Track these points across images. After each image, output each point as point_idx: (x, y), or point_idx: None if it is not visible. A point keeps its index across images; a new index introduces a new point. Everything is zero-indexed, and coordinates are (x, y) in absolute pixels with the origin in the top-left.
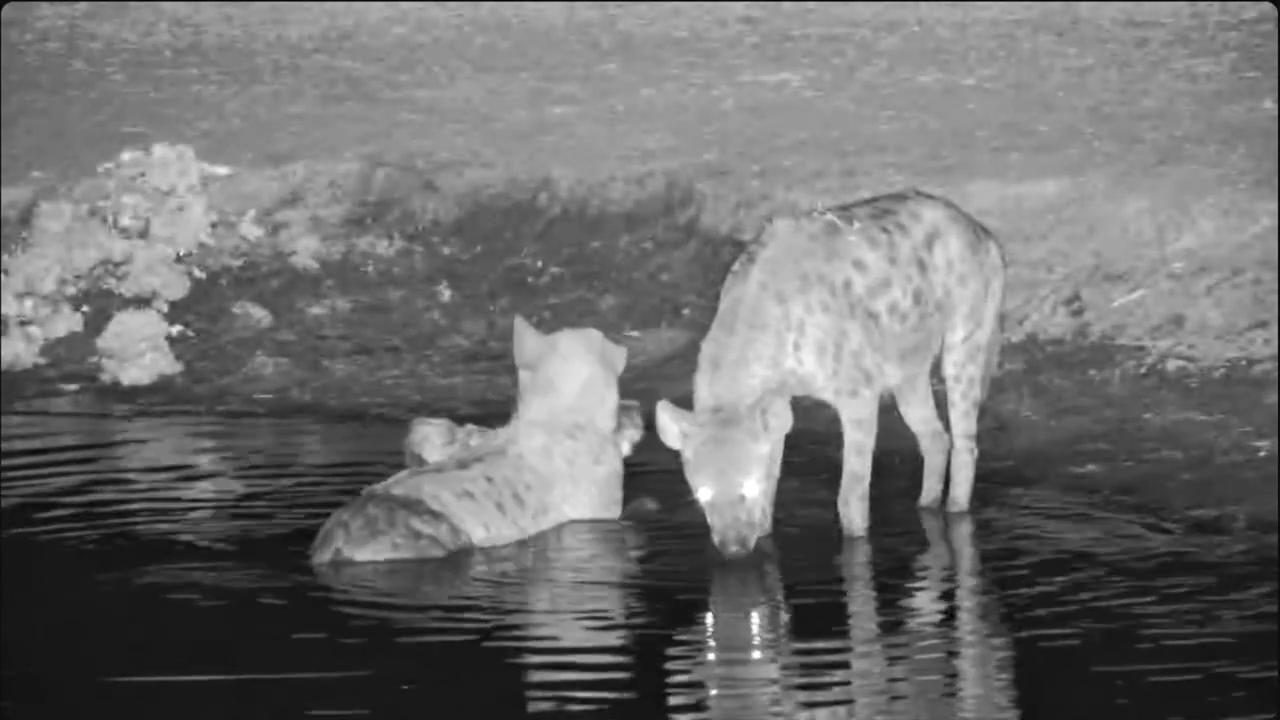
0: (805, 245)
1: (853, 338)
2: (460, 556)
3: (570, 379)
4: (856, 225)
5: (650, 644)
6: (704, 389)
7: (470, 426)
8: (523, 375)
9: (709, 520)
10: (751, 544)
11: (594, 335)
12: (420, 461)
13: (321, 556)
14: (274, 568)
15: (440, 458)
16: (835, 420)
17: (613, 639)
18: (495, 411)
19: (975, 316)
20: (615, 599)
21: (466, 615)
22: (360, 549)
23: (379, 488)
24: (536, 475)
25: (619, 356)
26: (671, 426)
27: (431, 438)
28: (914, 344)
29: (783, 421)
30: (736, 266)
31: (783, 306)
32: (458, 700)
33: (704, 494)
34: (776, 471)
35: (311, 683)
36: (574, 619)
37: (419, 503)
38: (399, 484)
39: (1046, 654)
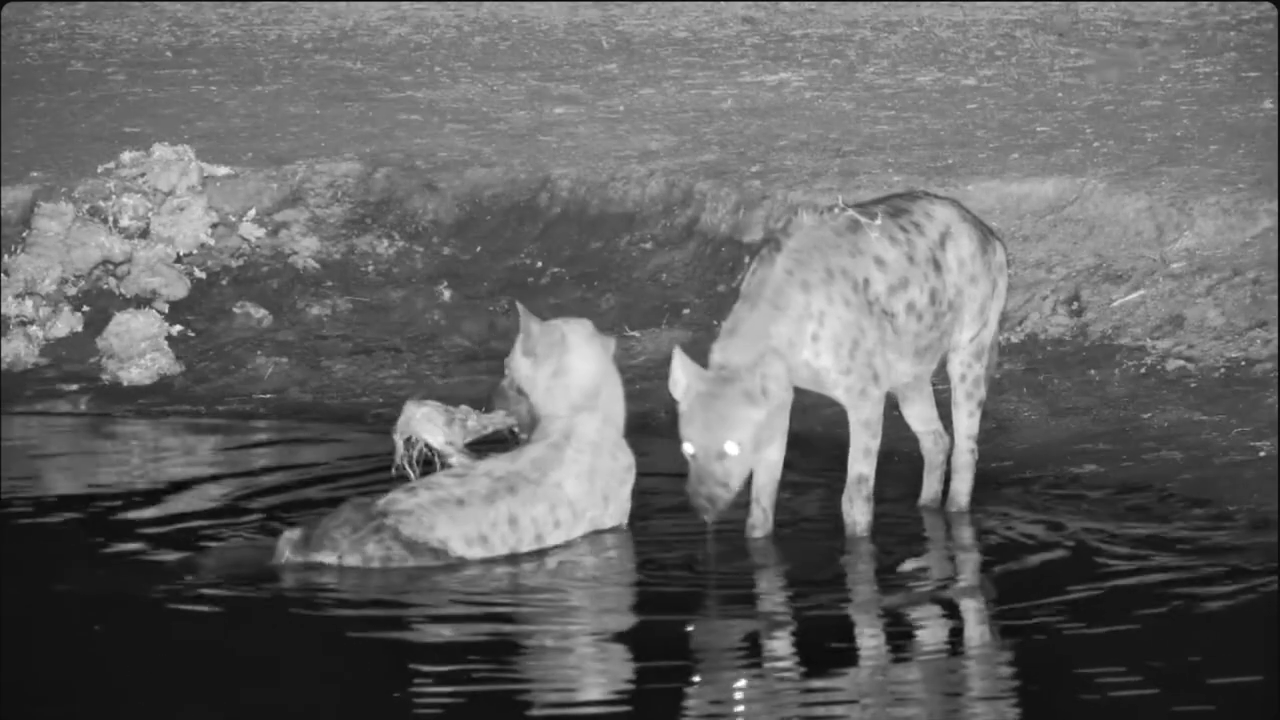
0: (830, 239)
1: (869, 336)
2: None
3: (586, 363)
4: (878, 222)
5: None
6: (717, 353)
7: (465, 408)
8: (521, 367)
9: (689, 474)
10: (720, 506)
11: (589, 324)
12: (423, 447)
13: (309, 554)
14: (274, 568)
15: (441, 442)
16: (835, 422)
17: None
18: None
19: (983, 316)
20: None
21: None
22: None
23: (392, 508)
24: (571, 510)
25: (610, 345)
26: (680, 379)
27: (434, 418)
28: (929, 343)
29: (781, 387)
30: (762, 252)
31: (806, 295)
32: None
33: (688, 447)
34: (780, 455)
35: (307, 681)
36: (577, 635)
37: (423, 543)
38: (414, 517)
39: (1047, 655)
